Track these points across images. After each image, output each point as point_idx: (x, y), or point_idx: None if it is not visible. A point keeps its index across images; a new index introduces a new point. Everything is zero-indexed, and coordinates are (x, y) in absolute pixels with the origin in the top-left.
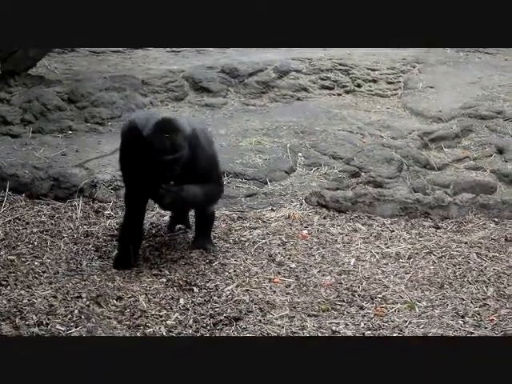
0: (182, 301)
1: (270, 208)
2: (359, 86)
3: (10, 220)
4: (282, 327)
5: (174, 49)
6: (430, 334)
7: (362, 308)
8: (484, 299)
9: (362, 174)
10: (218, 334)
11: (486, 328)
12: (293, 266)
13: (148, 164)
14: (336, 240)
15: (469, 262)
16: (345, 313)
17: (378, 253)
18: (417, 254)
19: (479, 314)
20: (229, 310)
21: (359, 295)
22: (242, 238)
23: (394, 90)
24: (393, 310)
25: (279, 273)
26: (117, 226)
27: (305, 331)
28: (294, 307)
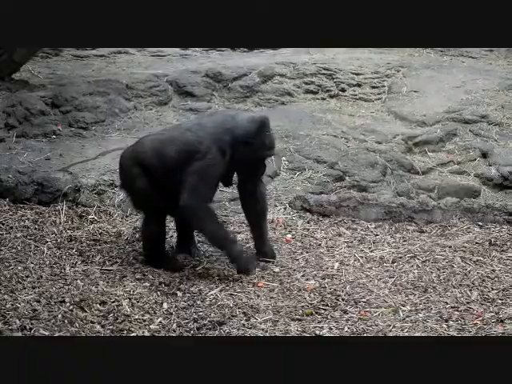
0: (165, 305)
1: None
2: (343, 90)
3: None
4: (266, 331)
5: (158, 53)
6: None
7: (345, 312)
8: (468, 303)
9: (346, 178)
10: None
11: (470, 332)
12: (276, 270)
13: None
14: (320, 244)
15: (453, 266)
16: (328, 317)
17: (361, 257)
18: (401, 257)
19: (463, 318)
20: (212, 314)
21: (343, 299)
22: None
23: (379, 94)
24: (377, 314)
25: (263, 277)
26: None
27: (288, 335)
28: (278, 311)
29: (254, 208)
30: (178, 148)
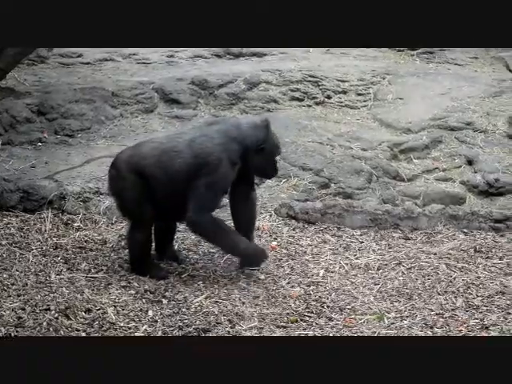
0: (150, 313)
1: None
2: (329, 97)
3: None
4: None
5: (144, 60)
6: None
7: (330, 319)
8: (453, 310)
9: (332, 185)
10: None
11: None
12: (262, 277)
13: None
14: (305, 251)
15: (438, 273)
16: (314, 324)
17: (347, 264)
18: (386, 265)
19: (448, 325)
20: (198, 322)
21: (328, 306)
22: (212, 250)
23: (364, 101)
24: (362, 321)
25: (248, 284)
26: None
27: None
28: (263, 318)
29: (244, 215)
30: (185, 161)
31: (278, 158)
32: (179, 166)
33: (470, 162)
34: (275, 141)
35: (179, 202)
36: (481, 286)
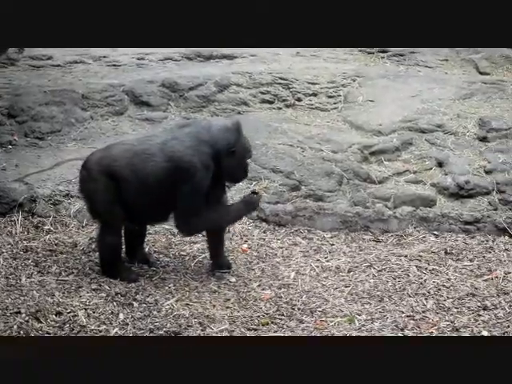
0: (121, 316)
1: None
2: (299, 99)
3: None
4: None
5: (114, 63)
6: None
7: (301, 321)
8: (424, 312)
9: (303, 187)
10: None
11: None
12: (233, 280)
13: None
14: (276, 254)
15: (409, 275)
16: (284, 326)
17: (317, 266)
18: (357, 267)
19: (419, 327)
20: (168, 325)
21: (299, 309)
22: (182, 253)
23: (335, 103)
24: (332, 323)
25: (219, 287)
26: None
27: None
28: (234, 321)
29: None
30: (157, 164)
31: (248, 161)
32: (151, 169)
33: (440, 164)
34: (246, 144)
35: (150, 204)
36: (451, 287)
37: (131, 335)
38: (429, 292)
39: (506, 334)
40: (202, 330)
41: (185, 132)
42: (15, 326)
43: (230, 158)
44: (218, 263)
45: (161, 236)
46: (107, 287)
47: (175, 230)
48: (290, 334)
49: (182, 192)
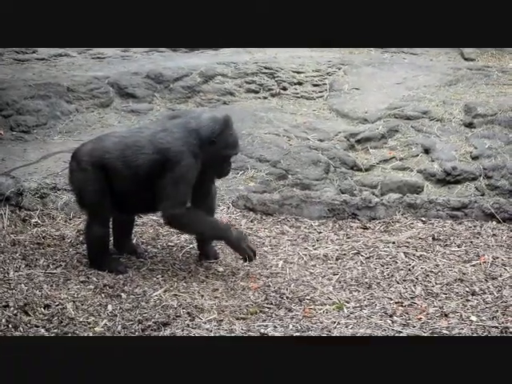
0: (110, 307)
1: None
2: (285, 88)
3: None
4: (211, 331)
5: (98, 55)
6: (358, 335)
7: (290, 310)
8: (412, 298)
9: (289, 176)
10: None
11: (415, 327)
12: (220, 269)
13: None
14: (264, 243)
15: (396, 262)
16: (273, 315)
17: (305, 255)
18: (344, 254)
19: (407, 313)
20: (157, 316)
21: (287, 297)
22: (170, 243)
23: (320, 92)
24: (321, 311)
25: (207, 277)
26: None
27: (233, 334)
28: (222, 311)
29: (203, 208)
30: (148, 156)
31: (232, 159)
32: (142, 160)
33: (426, 151)
34: (231, 139)
35: (140, 195)
36: (439, 273)
37: (122, 335)
38: (417, 278)
39: (494, 320)
40: (190, 320)
41: (174, 123)
42: (4, 320)
43: (210, 148)
44: (206, 253)
45: (148, 227)
46: (95, 279)
47: (162, 221)
48: (278, 322)
49: (168, 178)
